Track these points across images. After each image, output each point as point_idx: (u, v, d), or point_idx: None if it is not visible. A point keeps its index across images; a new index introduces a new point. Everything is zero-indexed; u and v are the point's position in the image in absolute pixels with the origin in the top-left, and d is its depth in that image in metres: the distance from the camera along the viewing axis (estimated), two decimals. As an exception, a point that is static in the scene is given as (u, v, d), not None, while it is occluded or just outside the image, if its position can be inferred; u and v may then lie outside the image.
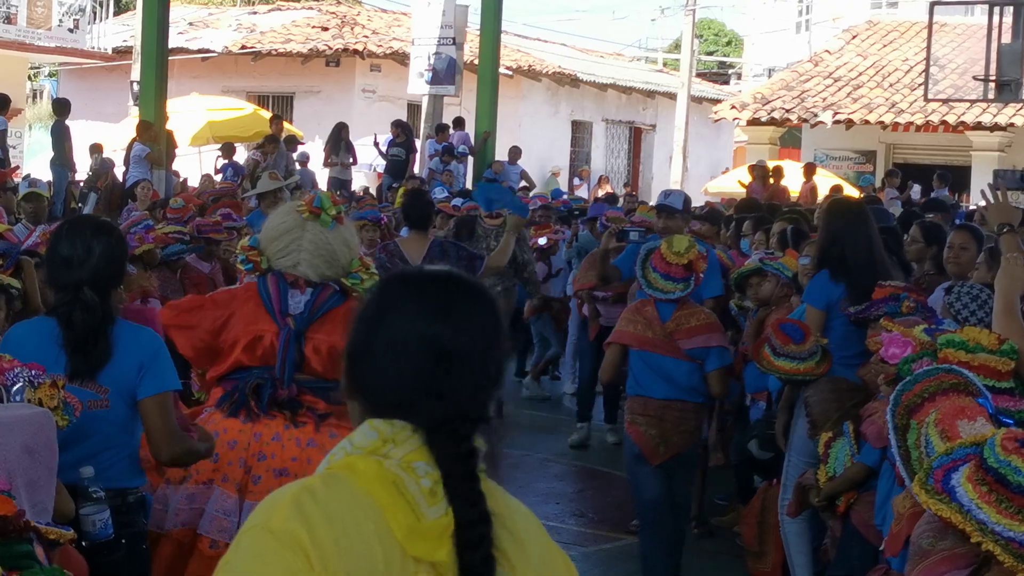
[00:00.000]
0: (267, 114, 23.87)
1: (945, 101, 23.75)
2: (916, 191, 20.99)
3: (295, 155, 20.09)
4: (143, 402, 4.25)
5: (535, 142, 28.55)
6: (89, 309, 4.23)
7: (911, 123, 25.71)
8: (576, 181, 30.49)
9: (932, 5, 17.78)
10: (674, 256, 6.62)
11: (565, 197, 18.82)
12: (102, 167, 17.56)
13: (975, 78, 16.82)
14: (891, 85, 27.32)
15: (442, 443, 1.98)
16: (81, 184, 18.05)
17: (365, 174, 23.94)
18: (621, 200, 20.56)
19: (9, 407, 3.03)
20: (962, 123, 25.05)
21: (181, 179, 19.31)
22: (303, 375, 4.82)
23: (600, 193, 27.06)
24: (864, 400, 5.75)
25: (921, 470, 3.58)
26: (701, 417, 6.88)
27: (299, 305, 4.84)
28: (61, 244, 4.34)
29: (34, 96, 35.36)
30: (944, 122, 25.20)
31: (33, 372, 3.38)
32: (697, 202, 23.70)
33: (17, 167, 11.70)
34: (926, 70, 18.50)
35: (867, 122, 25.99)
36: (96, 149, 19.39)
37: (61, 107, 19.45)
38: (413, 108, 27.72)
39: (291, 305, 4.85)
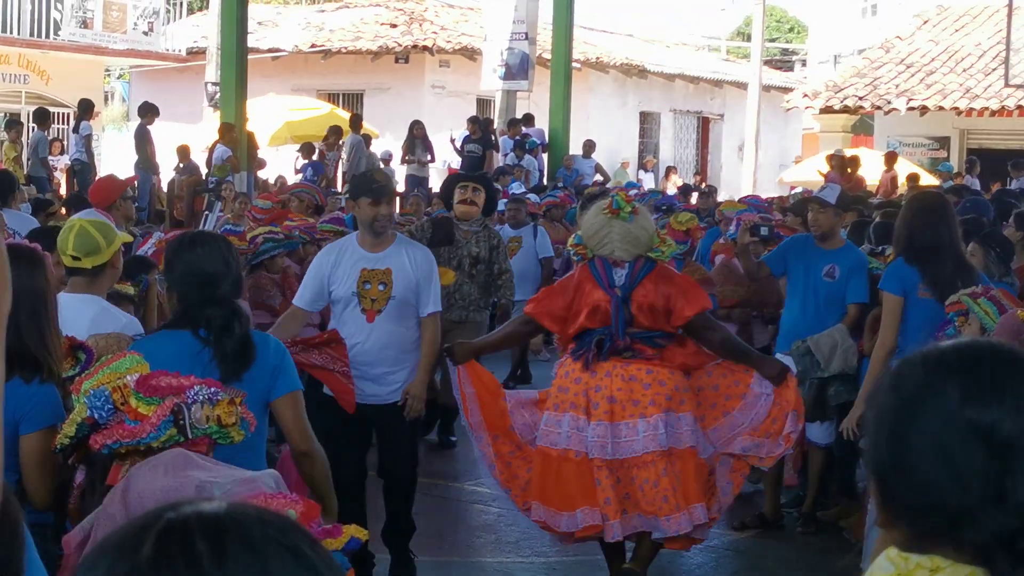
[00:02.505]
0: (344, 113, 24.06)
1: (1022, 87, 23.50)
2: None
3: (380, 154, 20.27)
4: (278, 402, 4.46)
5: (603, 134, 28.53)
6: (243, 320, 4.44)
7: (986, 108, 25.45)
8: (641, 173, 30.45)
9: (1011, -11, 17.61)
10: (678, 225, 8.89)
11: (638, 189, 18.87)
12: (228, 171, 17.35)
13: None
14: (964, 70, 27.05)
15: (1001, 566, 1.60)
16: (204, 190, 17.94)
17: (438, 171, 24.07)
18: (695, 192, 20.56)
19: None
20: (1038, 107, 24.80)
21: (262, 180, 19.50)
22: (633, 328, 6.21)
23: (670, 184, 27.06)
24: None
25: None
26: None
27: (621, 278, 6.24)
28: (200, 260, 4.48)
29: (105, 99, 35.79)
30: (1020, 107, 24.91)
31: (212, 390, 3.46)
32: (770, 192, 23.67)
33: (137, 176, 11.89)
34: (1006, 55, 18.31)
35: (941, 108, 25.77)
36: (183, 151, 19.55)
37: (146, 111, 19.65)
38: (483, 103, 27.82)
39: (615, 279, 6.24)
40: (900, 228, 6.89)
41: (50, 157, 20.35)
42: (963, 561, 1.62)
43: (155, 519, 1.19)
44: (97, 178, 11.86)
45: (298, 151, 21.52)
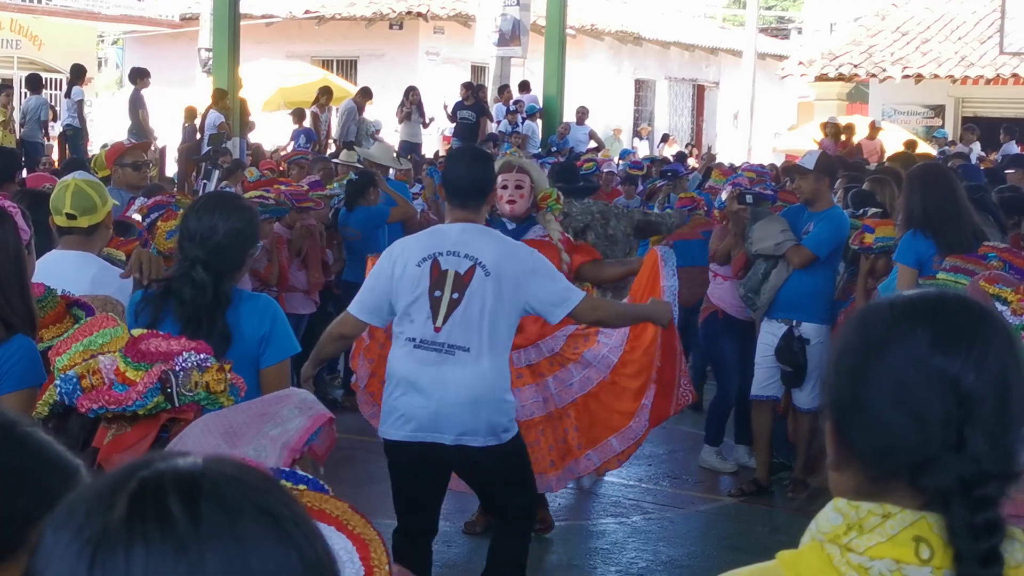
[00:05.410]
0: (337, 79, 23.96)
1: (1018, 54, 23.43)
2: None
3: (373, 121, 20.18)
4: (266, 371, 4.31)
5: (598, 101, 28.43)
6: (198, 287, 4.29)
7: (981, 76, 25.41)
8: (636, 140, 30.34)
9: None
10: (685, 195, 10.20)
11: (633, 157, 18.85)
12: (223, 140, 17.13)
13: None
14: (960, 38, 26.99)
15: (957, 510, 1.57)
16: (203, 162, 17.81)
17: (432, 137, 23.99)
18: (692, 159, 20.53)
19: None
20: (1034, 75, 24.74)
21: (253, 144, 19.39)
22: None
23: (667, 152, 26.99)
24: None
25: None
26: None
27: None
28: (191, 218, 4.41)
29: (98, 64, 35.61)
30: (1015, 75, 24.87)
31: (201, 356, 3.43)
32: (764, 159, 23.62)
33: (151, 142, 11.71)
34: (1002, 22, 18.25)
35: (936, 76, 25.72)
36: (190, 113, 19.38)
37: (137, 76, 19.56)
38: (477, 70, 27.71)
39: None
40: (910, 201, 6.84)
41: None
42: (913, 507, 1.60)
43: (127, 477, 1.16)
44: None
45: (290, 114, 21.40)
